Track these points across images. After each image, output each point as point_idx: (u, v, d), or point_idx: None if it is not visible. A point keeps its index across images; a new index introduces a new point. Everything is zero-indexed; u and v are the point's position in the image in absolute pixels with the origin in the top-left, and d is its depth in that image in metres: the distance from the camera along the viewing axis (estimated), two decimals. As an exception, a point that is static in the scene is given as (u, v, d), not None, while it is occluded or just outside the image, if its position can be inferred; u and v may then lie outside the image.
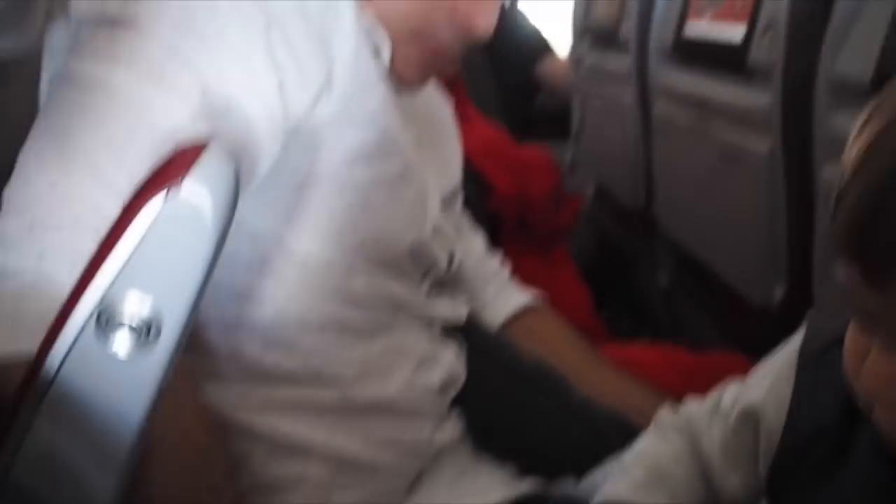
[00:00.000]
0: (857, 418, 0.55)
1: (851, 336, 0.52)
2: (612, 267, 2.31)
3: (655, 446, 0.70)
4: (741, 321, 1.55)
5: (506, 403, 0.94)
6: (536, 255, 1.78)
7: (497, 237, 1.69)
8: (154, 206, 0.47)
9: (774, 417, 0.61)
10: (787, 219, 1.27)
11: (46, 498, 0.49)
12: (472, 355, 0.94)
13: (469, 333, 0.96)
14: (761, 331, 1.45)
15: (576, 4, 2.42)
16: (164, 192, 0.47)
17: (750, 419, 0.63)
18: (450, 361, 0.91)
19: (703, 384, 1.17)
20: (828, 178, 1.08)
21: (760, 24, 1.28)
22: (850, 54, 1.05)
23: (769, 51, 1.25)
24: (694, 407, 0.71)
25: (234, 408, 0.79)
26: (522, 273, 1.64)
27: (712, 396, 0.70)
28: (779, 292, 1.30)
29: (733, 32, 1.38)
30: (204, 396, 0.73)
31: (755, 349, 1.55)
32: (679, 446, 0.68)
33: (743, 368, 1.25)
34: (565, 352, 1.08)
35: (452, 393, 0.91)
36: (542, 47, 2.80)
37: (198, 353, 0.78)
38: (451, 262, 0.95)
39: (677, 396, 1.09)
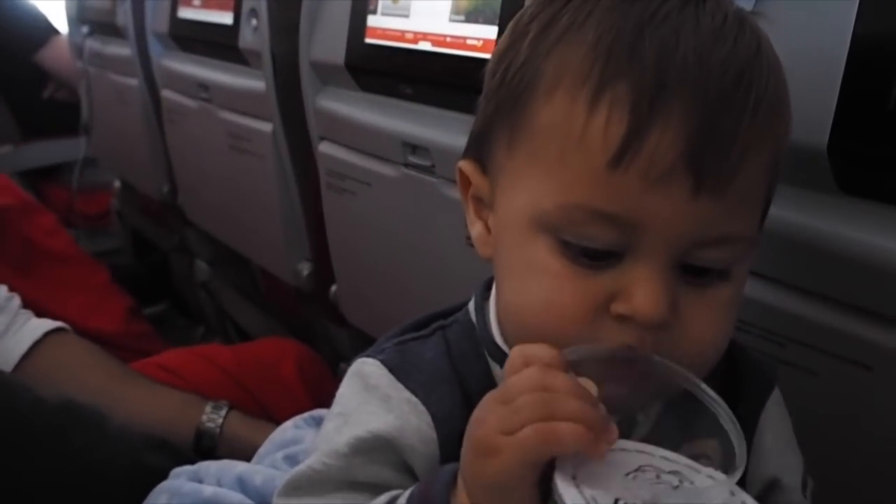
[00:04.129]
0: None
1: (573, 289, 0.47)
2: (153, 263, 2.23)
3: None
4: (282, 301, 1.58)
5: (34, 452, 0.85)
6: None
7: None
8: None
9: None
10: (300, 196, 1.31)
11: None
12: None
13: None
14: (299, 308, 1.50)
15: (67, -11, 2.25)
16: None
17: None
18: None
19: (246, 373, 1.19)
20: (324, 152, 1.14)
21: (245, 11, 1.30)
22: (322, 38, 1.10)
23: (256, 37, 1.27)
24: None
25: None
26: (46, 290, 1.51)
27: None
28: (305, 268, 1.35)
29: (223, 18, 1.38)
30: None
31: (299, 327, 1.60)
32: None
33: (282, 348, 1.30)
34: (94, 376, 1.02)
35: None
36: (44, 31, 2.54)
37: None
38: None
39: (225, 392, 1.10)
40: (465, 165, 0.54)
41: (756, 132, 0.45)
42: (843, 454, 0.58)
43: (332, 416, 0.54)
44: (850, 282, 0.55)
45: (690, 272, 0.46)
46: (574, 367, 0.44)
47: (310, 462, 0.53)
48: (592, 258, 0.46)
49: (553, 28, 0.47)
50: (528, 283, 0.48)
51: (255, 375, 1.15)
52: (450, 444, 0.50)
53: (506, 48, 0.50)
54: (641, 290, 0.45)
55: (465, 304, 0.57)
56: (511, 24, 0.51)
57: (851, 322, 0.55)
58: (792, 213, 0.57)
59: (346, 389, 0.54)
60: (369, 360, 0.54)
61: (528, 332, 0.48)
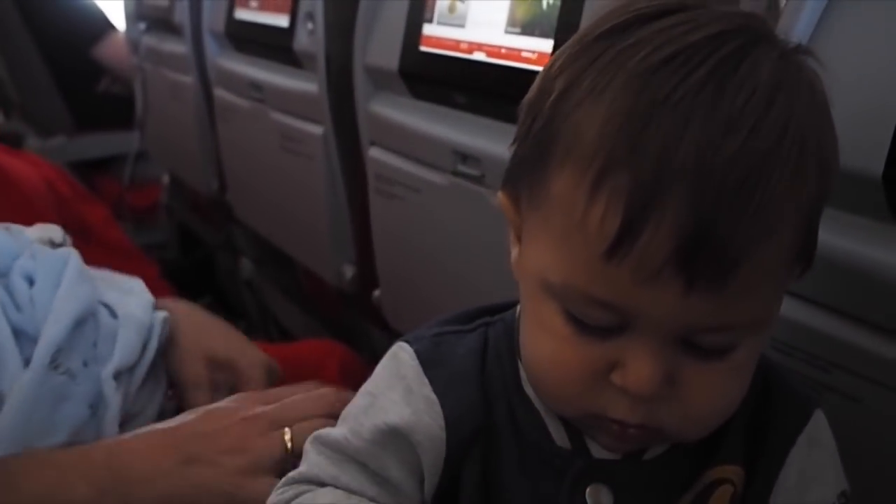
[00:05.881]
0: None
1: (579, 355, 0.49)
2: (197, 259, 2.27)
3: None
4: (325, 302, 1.60)
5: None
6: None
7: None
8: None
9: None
10: (348, 200, 1.33)
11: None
12: None
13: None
14: (341, 309, 1.52)
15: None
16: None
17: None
18: None
19: (290, 372, 1.20)
20: (373, 157, 1.16)
21: (301, 15, 1.32)
22: (377, 45, 1.12)
23: (311, 40, 1.29)
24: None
25: None
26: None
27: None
28: (349, 271, 1.36)
29: (279, 21, 1.40)
30: None
31: (340, 328, 1.61)
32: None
33: (326, 350, 1.31)
34: None
35: None
36: (101, 26, 2.60)
37: None
38: None
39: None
40: (502, 198, 0.55)
41: (762, 227, 0.43)
42: (885, 482, 0.58)
43: (364, 391, 0.58)
44: (900, 310, 0.55)
45: (692, 346, 0.47)
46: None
47: (341, 430, 0.57)
48: (596, 327, 0.48)
49: (575, 90, 0.47)
50: (539, 337, 0.51)
51: (299, 375, 1.17)
52: (458, 444, 0.54)
53: (534, 99, 0.50)
54: (634, 365, 0.47)
55: (516, 303, 0.59)
56: (543, 71, 0.51)
57: (899, 350, 0.55)
58: (842, 239, 0.57)
59: (381, 370, 0.58)
60: (407, 346, 0.58)
61: (535, 377, 0.53)
